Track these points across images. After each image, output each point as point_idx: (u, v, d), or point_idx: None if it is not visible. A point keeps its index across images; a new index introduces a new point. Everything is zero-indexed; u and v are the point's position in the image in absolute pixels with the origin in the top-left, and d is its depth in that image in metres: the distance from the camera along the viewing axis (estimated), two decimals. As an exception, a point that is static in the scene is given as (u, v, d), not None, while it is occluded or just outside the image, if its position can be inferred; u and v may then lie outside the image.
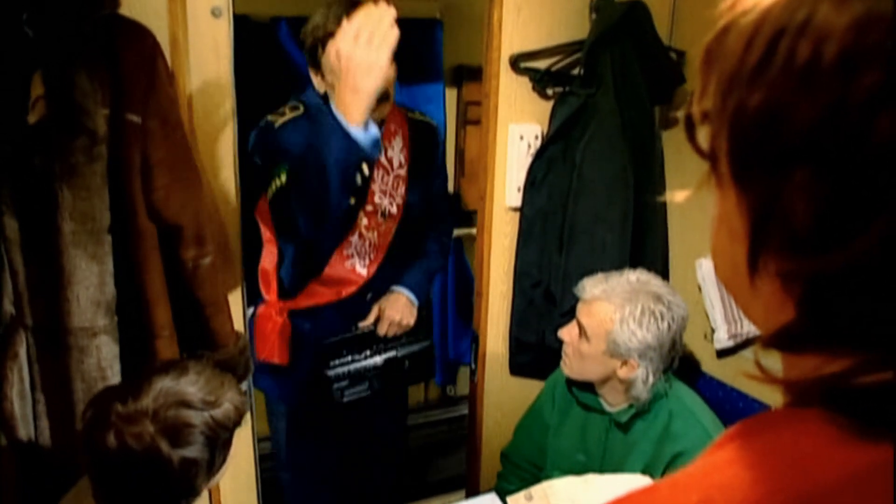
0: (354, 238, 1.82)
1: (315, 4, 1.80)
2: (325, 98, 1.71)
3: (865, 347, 0.33)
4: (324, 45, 1.60)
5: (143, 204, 1.29)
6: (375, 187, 1.82)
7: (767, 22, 0.33)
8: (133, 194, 1.27)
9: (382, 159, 1.81)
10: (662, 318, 1.45)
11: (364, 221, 1.82)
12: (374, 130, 1.47)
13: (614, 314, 1.46)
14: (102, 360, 1.26)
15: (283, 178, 1.63)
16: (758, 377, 0.39)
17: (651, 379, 1.48)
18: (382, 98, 1.63)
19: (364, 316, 1.89)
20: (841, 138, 0.30)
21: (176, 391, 1.03)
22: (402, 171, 1.86)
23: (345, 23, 1.45)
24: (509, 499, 1.39)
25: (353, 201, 1.73)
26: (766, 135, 0.33)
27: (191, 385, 1.05)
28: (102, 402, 1.04)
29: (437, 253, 2.02)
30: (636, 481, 1.34)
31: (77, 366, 1.25)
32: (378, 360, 1.91)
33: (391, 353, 1.92)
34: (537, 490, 1.33)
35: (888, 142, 0.29)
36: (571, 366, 1.57)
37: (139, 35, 1.27)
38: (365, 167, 1.68)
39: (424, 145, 1.92)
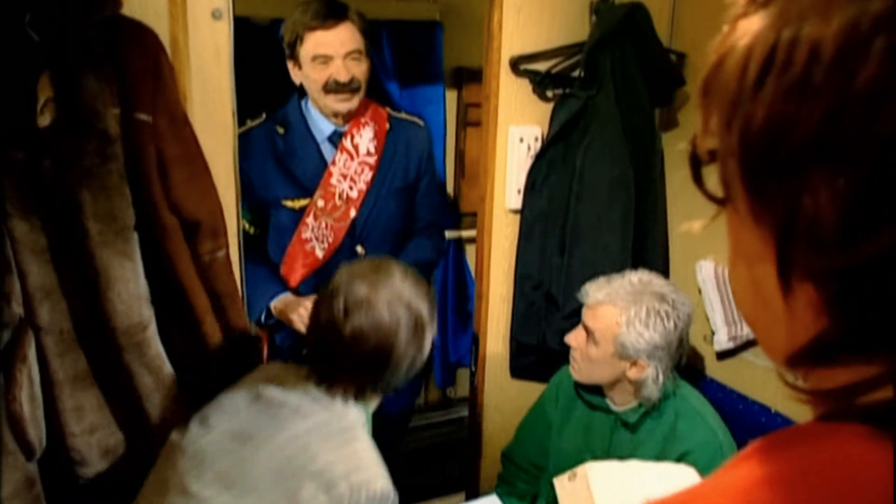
0: (310, 220, 1.92)
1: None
2: (301, 91, 1.92)
3: None
4: (302, 39, 1.79)
5: (164, 199, 1.31)
6: (335, 170, 1.92)
7: (759, 43, 0.35)
8: (153, 191, 1.29)
9: (347, 144, 1.93)
10: (668, 317, 1.46)
11: (320, 203, 1.91)
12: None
13: (620, 317, 1.47)
14: (158, 346, 1.32)
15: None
16: (797, 397, 0.39)
17: (661, 378, 1.50)
18: (354, 89, 1.83)
19: None
20: (849, 135, 0.31)
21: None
22: (371, 160, 1.95)
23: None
24: (555, 480, 1.39)
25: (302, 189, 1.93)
26: (775, 144, 0.34)
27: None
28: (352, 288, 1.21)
29: (427, 247, 2.07)
30: (678, 470, 1.34)
31: (139, 360, 1.29)
32: None
33: None
34: (579, 471, 1.33)
35: (893, 141, 0.30)
36: (581, 370, 1.58)
37: (142, 34, 1.28)
38: (326, 152, 1.93)
39: (407, 142, 2.01)
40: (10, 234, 1.17)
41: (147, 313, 1.30)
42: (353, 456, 1.15)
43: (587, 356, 1.54)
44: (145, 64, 1.26)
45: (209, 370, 1.41)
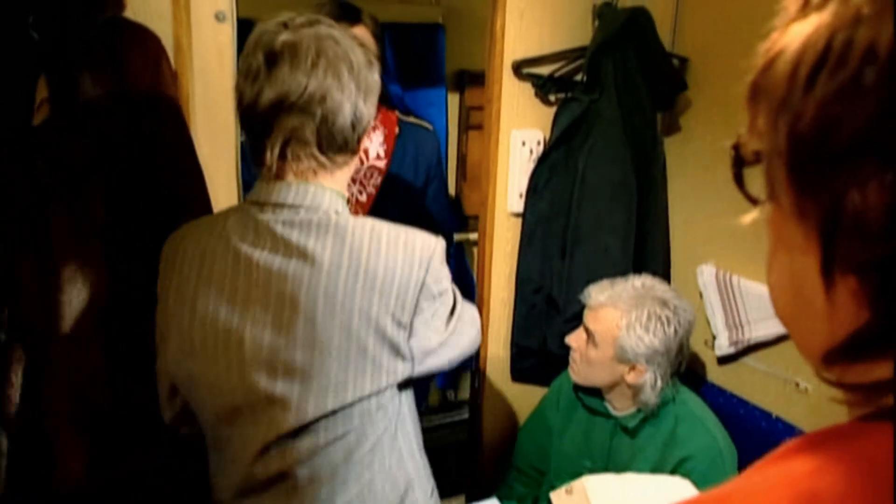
0: None
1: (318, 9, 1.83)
2: None
3: None
4: None
5: (153, 204, 1.29)
6: None
7: (812, 44, 0.37)
8: (142, 195, 1.27)
9: None
10: (669, 323, 1.46)
11: None
12: None
13: (621, 320, 1.47)
14: (95, 365, 1.25)
15: None
16: (840, 398, 0.39)
17: (659, 383, 1.49)
18: None
19: None
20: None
21: None
22: (380, 164, 1.92)
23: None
24: (551, 494, 1.39)
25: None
26: (824, 141, 0.36)
27: None
28: None
29: None
30: (675, 483, 1.34)
31: (68, 370, 1.23)
32: None
33: None
34: (577, 485, 1.33)
35: None
36: (579, 372, 1.58)
37: (144, 37, 1.28)
38: None
39: (416, 146, 1.98)
40: (6, 235, 1.17)
41: (97, 325, 1.23)
42: (381, 241, 1.04)
43: (586, 358, 1.54)
44: (145, 67, 1.26)
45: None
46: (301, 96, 1.01)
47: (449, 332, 1.15)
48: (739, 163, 0.42)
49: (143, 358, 1.32)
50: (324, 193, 1.06)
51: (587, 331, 1.54)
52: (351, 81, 1.04)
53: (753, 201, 0.43)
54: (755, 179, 0.43)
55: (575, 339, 1.58)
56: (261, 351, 1.04)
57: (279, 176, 1.06)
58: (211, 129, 1.49)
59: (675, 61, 1.83)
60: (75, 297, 1.21)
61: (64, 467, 1.25)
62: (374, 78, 1.10)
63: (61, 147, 1.18)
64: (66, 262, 1.19)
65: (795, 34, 0.38)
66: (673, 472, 1.49)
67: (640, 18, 1.69)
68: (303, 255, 1.02)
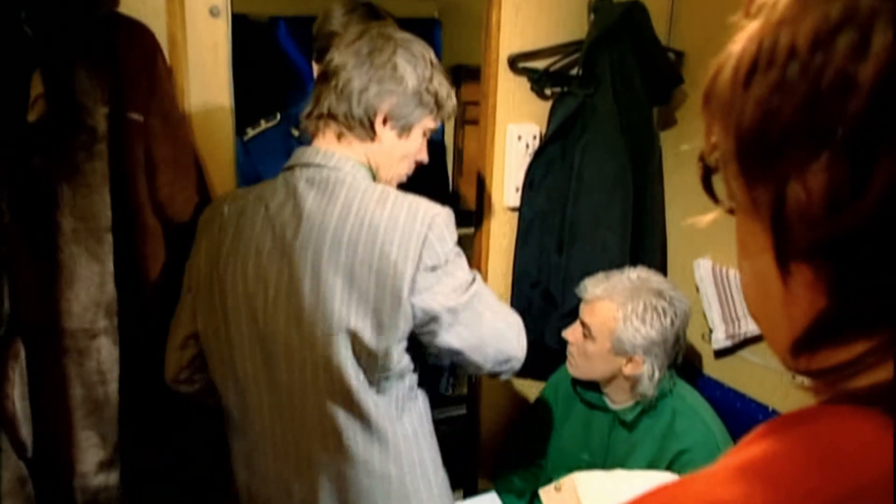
0: None
1: (313, 4, 1.82)
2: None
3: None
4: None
5: (149, 200, 1.29)
6: None
7: (747, 48, 0.41)
8: (138, 192, 1.27)
9: None
10: (665, 314, 1.47)
11: None
12: None
13: (617, 312, 1.47)
14: (102, 362, 1.25)
15: None
16: (803, 385, 0.42)
17: (657, 374, 1.49)
18: None
19: None
20: (824, 117, 0.36)
21: None
22: None
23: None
24: (540, 490, 1.40)
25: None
26: (764, 133, 0.39)
27: None
28: None
29: None
30: (662, 477, 1.35)
31: (76, 369, 1.23)
32: None
33: None
34: (566, 482, 1.33)
35: (860, 121, 0.35)
36: (577, 365, 1.58)
37: (139, 33, 1.27)
38: None
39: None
40: (4, 231, 1.16)
41: (102, 324, 1.24)
42: (388, 200, 1.14)
43: (584, 352, 1.54)
44: (141, 63, 1.25)
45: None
46: (328, 66, 1.22)
47: (460, 304, 1.14)
48: (707, 171, 0.45)
49: (151, 354, 1.33)
50: (347, 160, 1.19)
51: (584, 325, 1.54)
52: (371, 69, 1.19)
53: (729, 210, 0.45)
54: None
55: (572, 333, 1.58)
56: (277, 299, 1.14)
57: (311, 142, 1.24)
58: (207, 124, 1.49)
59: (671, 55, 1.83)
60: (83, 291, 1.21)
61: (74, 465, 1.25)
62: (410, 83, 1.21)
63: (53, 143, 1.17)
64: (70, 257, 1.20)
65: (737, 42, 0.42)
66: (670, 464, 1.49)
67: (636, 12, 1.69)
68: (317, 207, 1.13)
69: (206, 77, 1.47)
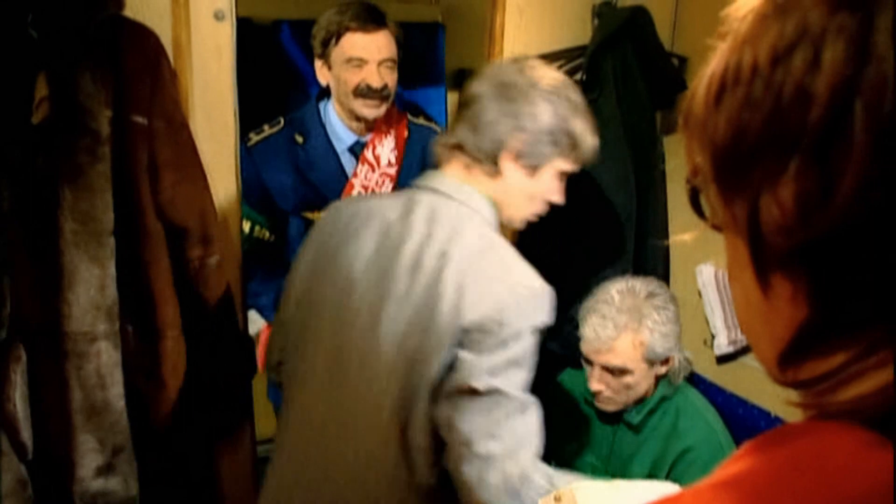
0: None
1: (317, 8, 1.83)
2: (323, 93, 1.86)
3: (877, 322, 0.37)
4: (338, 39, 1.74)
5: (152, 204, 1.29)
6: (356, 182, 1.87)
7: (714, 73, 0.43)
8: (141, 194, 1.27)
9: (368, 155, 1.89)
10: (668, 306, 1.51)
11: None
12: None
13: (640, 336, 1.48)
14: (102, 366, 1.24)
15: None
16: (792, 401, 0.43)
17: (682, 353, 1.57)
18: (384, 97, 1.78)
19: None
20: (789, 128, 0.38)
21: None
22: (392, 170, 1.91)
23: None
24: (540, 501, 1.39)
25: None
26: (735, 147, 0.41)
27: None
28: None
29: None
30: (663, 488, 1.35)
31: (76, 372, 1.23)
32: None
33: None
34: (566, 492, 1.33)
35: (820, 131, 0.36)
36: (619, 400, 1.55)
37: (143, 36, 1.28)
38: (346, 163, 1.88)
39: (423, 149, 1.95)
40: (5, 233, 1.17)
41: (102, 328, 1.23)
42: (495, 251, 1.15)
43: (624, 386, 1.52)
44: (144, 66, 1.26)
45: (186, 380, 1.38)
46: (465, 94, 1.21)
47: (489, 386, 1.07)
48: (695, 193, 0.47)
49: (155, 356, 1.33)
50: (473, 192, 1.18)
51: (609, 370, 1.51)
52: (506, 103, 1.16)
53: (706, 219, 0.47)
54: None
55: (598, 382, 1.53)
56: (360, 309, 1.14)
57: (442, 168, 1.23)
58: (210, 127, 1.49)
59: (675, 60, 1.83)
60: (83, 294, 1.20)
61: (73, 469, 1.25)
62: (544, 121, 1.17)
63: (56, 145, 1.18)
64: (71, 260, 1.20)
65: (710, 63, 0.44)
66: (674, 463, 1.51)
67: (640, 17, 1.69)
68: (426, 233, 1.13)
69: (210, 81, 1.47)
